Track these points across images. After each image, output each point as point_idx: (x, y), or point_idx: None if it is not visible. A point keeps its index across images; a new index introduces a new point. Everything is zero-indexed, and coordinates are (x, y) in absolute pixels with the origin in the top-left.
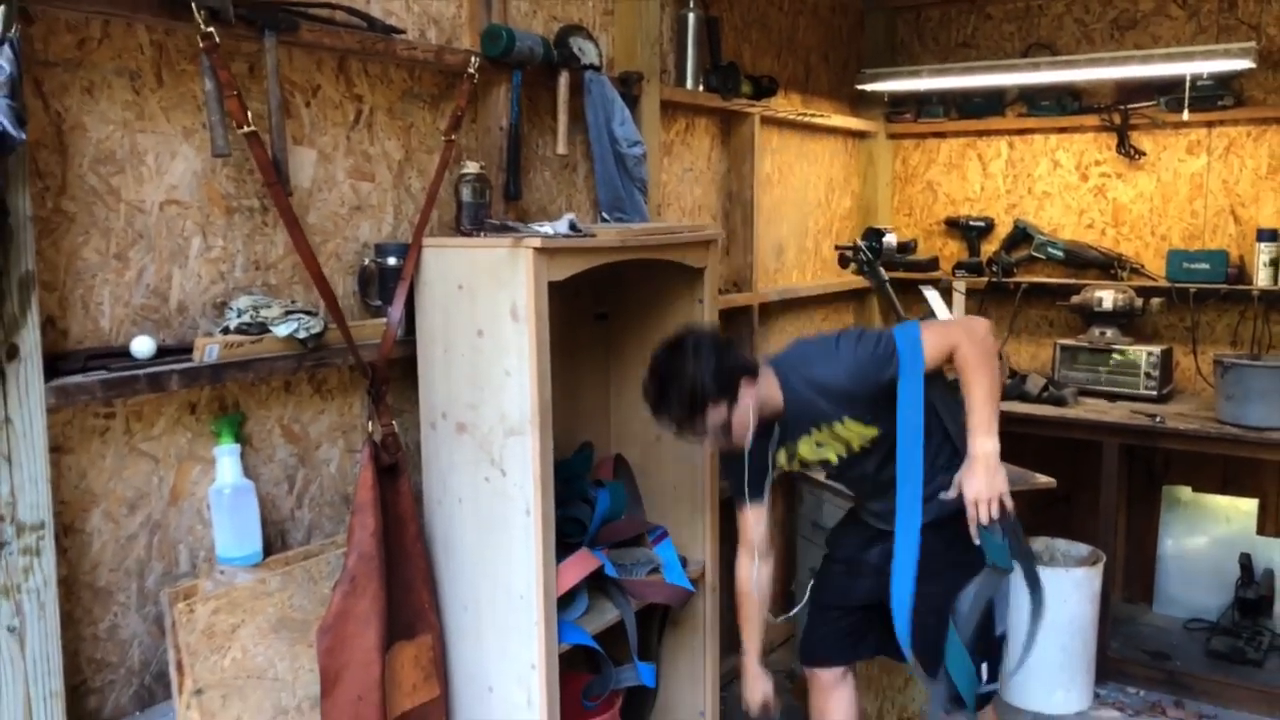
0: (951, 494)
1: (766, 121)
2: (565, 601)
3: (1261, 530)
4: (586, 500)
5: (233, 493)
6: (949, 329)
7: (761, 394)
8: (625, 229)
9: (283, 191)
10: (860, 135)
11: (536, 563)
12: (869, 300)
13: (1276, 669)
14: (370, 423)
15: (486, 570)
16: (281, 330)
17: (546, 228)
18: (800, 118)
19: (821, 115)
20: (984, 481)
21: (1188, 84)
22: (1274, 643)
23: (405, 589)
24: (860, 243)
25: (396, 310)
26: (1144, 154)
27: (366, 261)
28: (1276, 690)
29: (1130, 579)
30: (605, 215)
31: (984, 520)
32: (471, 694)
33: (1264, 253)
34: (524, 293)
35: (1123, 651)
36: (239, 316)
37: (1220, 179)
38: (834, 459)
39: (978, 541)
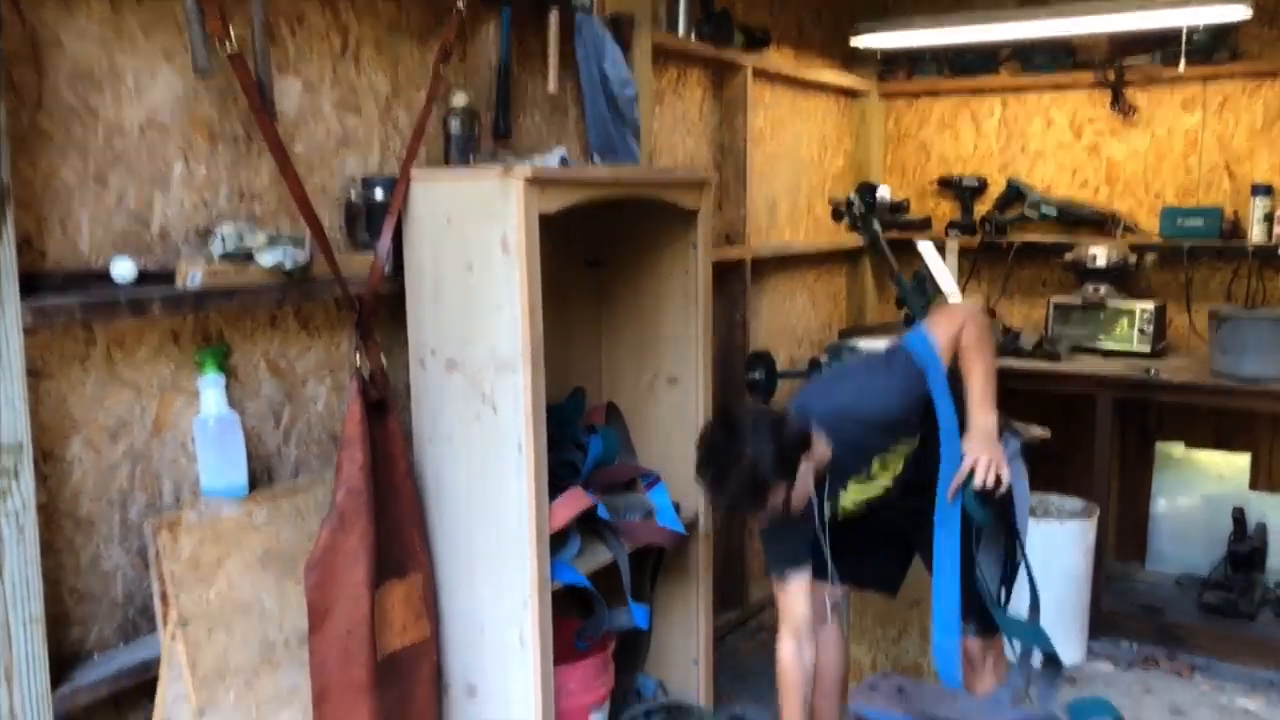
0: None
1: (759, 75)
2: (558, 543)
3: (1254, 485)
4: (579, 445)
5: (217, 424)
6: (951, 315)
7: (814, 457)
8: (617, 167)
9: (268, 117)
10: (853, 94)
11: (529, 500)
12: (862, 262)
13: (1268, 621)
14: (358, 356)
15: (478, 509)
16: (267, 259)
17: (538, 160)
18: (793, 73)
19: (815, 70)
20: (983, 446)
21: (1183, 36)
22: (1265, 596)
23: (395, 527)
24: (853, 196)
25: (384, 243)
26: (1138, 110)
27: (353, 195)
28: (1268, 641)
29: (1123, 536)
30: (597, 157)
31: (978, 483)
32: (464, 634)
33: (1258, 208)
34: (514, 224)
35: (1115, 606)
36: (224, 244)
37: (1215, 135)
38: (887, 489)
39: (955, 501)
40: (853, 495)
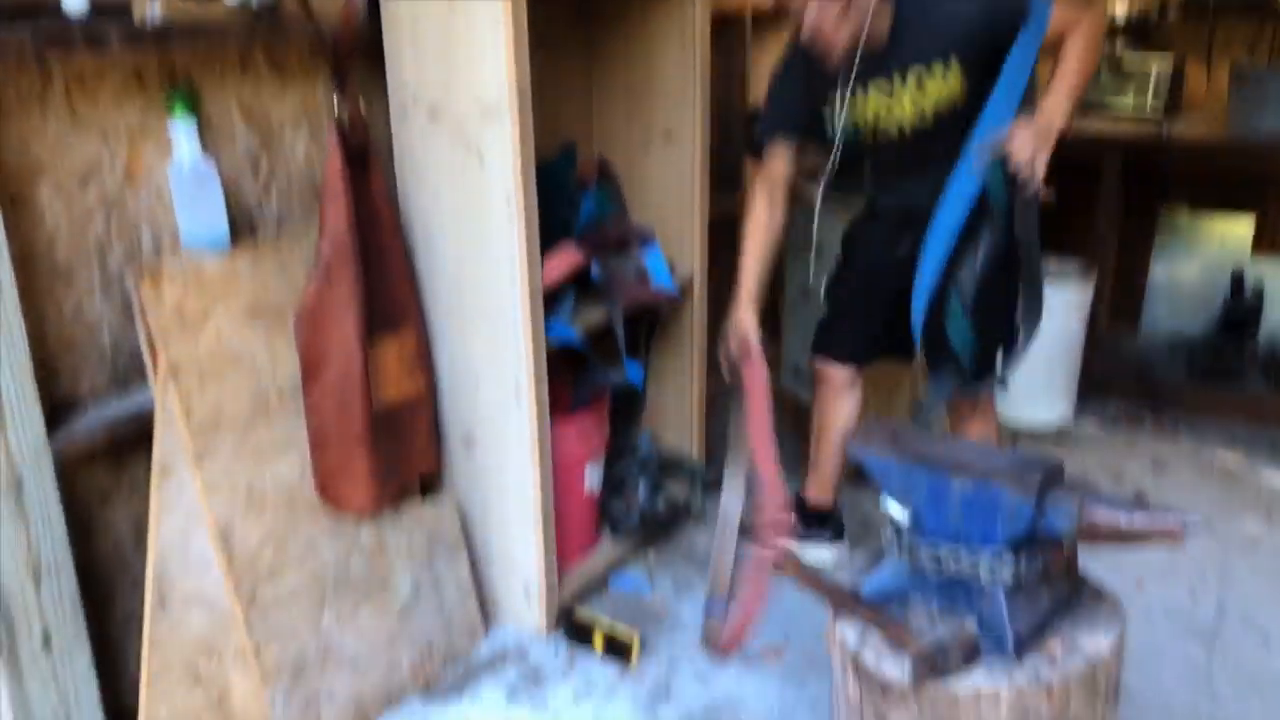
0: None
1: None
2: (551, 303)
3: (1257, 250)
4: (571, 203)
5: (192, 171)
6: (1078, 3)
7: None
8: None
9: None
10: None
11: (520, 253)
12: None
13: (1255, 380)
14: (335, 103)
15: (469, 264)
16: None
17: None
18: None
19: None
20: (1040, 134)
21: None
22: (1256, 354)
23: (385, 281)
24: None
25: None
26: None
27: None
28: (1252, 400)
29: (1120, 301)
30: None
31: (1015, 163)
32: (459, 388)
33: None
34: None
35: (1105, 368)
36: None
37: None
38: (906, 126)
39: (980, 175)
40: (872, 105)
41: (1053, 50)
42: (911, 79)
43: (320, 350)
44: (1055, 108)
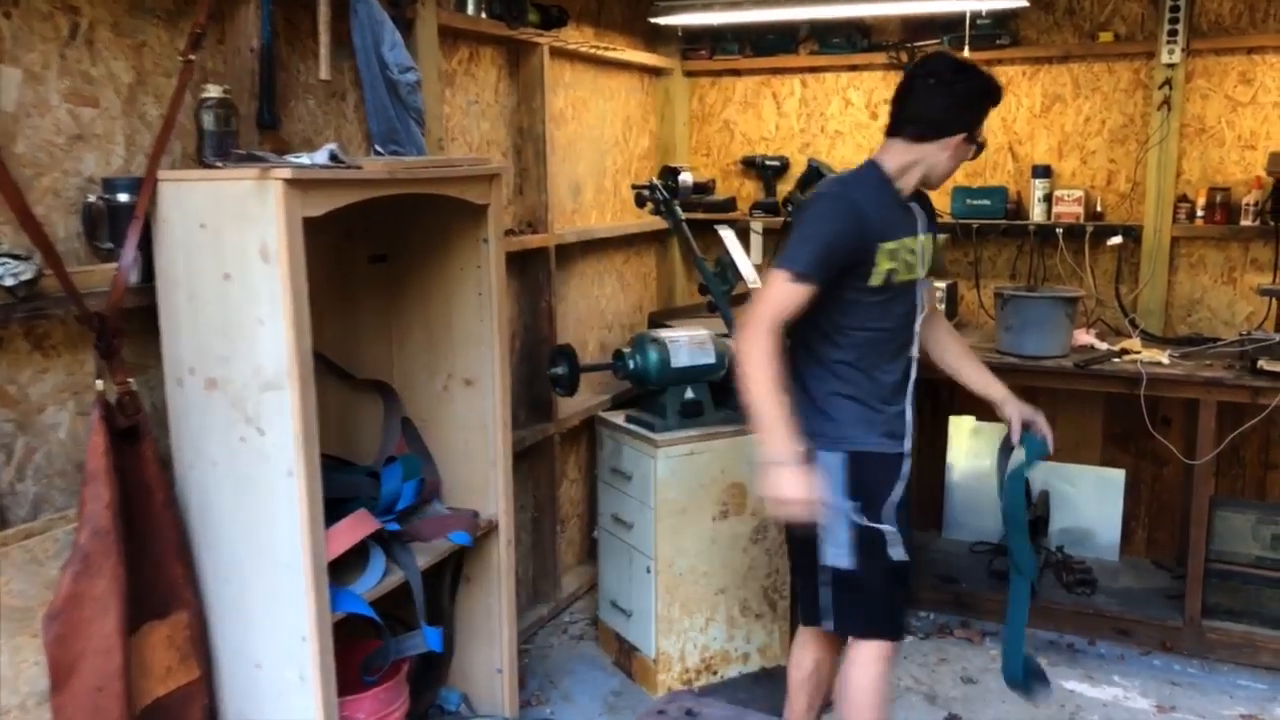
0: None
1: (557, 54)
2: (354, 567)
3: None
4: (373, 474)
5: None
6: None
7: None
8: (395, 161)
9: None
10: (656, 72)
11: (303, 528)
12: (671, 243)
13: (1050, 584)
14: (101, 381)
15: (249, 539)
16: None
17: (304, 159)
18: (593, 51)
19: (615, 49)
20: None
21: (968, 22)
22: (1048, 559)
23: (154, 564)
24: (656, 181)
25: (128, 253)
26: None
27: (92, 198)
28: (1047, 605)
29: (922, 507)
30: (379, 149)
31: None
32: (238, 672)
33: (1038, 189)
34: (274, 230)
35: (915, 577)
36: None
37: (1000, 117)
38: (922, 271)
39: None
40: (904, 254)
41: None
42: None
43: (74, 651)
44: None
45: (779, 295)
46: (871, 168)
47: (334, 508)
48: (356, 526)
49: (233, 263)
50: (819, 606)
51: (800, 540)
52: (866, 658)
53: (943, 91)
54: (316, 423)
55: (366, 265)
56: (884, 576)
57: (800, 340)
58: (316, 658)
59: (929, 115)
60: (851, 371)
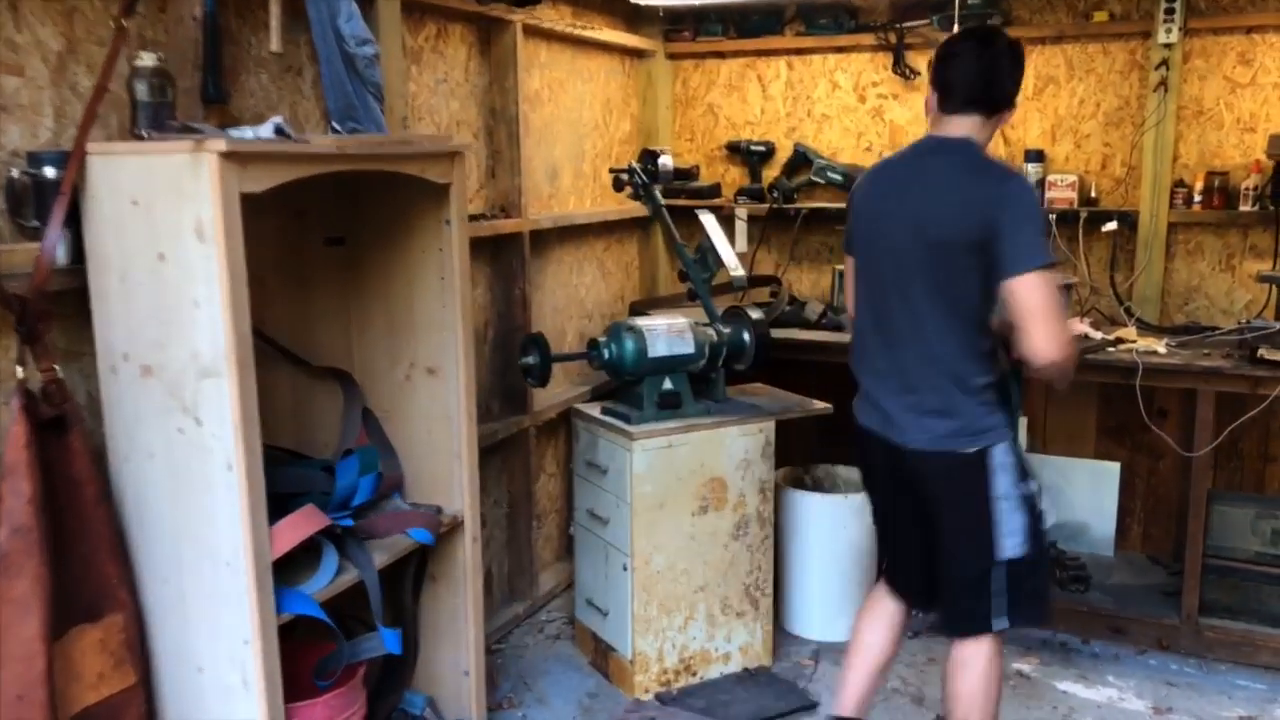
0: None
1: (532, 32)
2: (305, 566)
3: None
4: (328, 468)
5: None
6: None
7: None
8: (346, 137)
9: None
10: (638, 54)
11: (244, 524)
12: (654, 230)
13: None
14: (22, 368)
15: (187, 535)
16: None
17: (247, 132)
18: (571, 30)
19: (594, 29)
20: None
21: (958, 1)
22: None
23: (84, 563)
24: (635, 165)
25: (54, 231)
26: (919, 74)
27: (15, 173)
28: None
29: None
30: (336, 126)
31: None
32: (178, 677)
33: (1031, 173)
34: (210, 207)
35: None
36: None
37: None
38: None
39: None
40: None
41: None
42: None
43: None
44: None
45: (1054, 292)
46: (977, 146)
47: (284, 504)
48: (303, 523)
49: (167, 242)
50: (988, 610)
51: (960, 557)
52: (992, 651)
53: (1017, 65)
54: (257, 412)
55: (322, 248)
56: (1044, 551)
57: (949, 329)
58: (261, 661)
59: (1009, 90)
60: (991, 360)
